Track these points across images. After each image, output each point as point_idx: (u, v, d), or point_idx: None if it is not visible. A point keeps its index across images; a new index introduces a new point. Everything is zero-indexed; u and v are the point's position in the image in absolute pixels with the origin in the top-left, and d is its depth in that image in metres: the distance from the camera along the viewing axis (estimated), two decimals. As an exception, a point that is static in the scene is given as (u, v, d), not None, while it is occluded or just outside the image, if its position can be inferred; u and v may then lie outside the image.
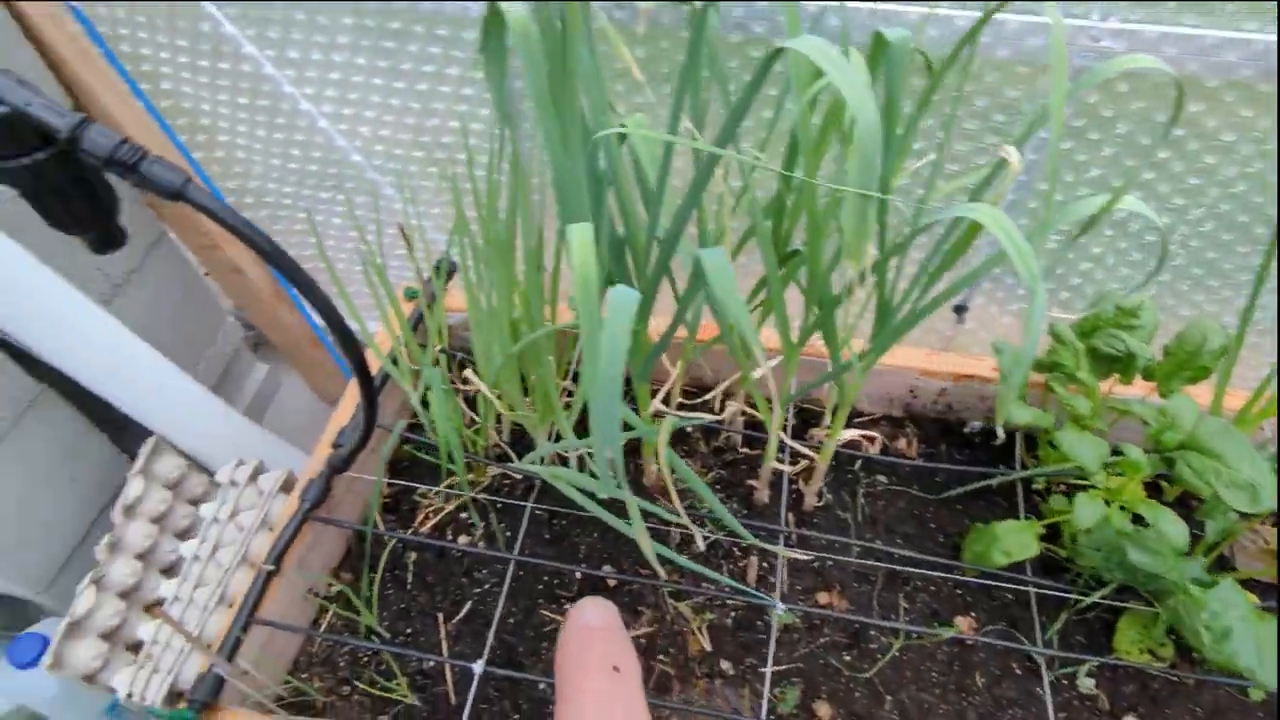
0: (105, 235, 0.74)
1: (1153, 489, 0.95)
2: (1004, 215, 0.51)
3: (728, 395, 1.05)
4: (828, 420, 1.06)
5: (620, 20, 0.87)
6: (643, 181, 0.75)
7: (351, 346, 0.76)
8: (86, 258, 1.08)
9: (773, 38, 0.86)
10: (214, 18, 0.99)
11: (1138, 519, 0.81)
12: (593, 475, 0.89)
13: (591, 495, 0.86)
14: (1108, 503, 0.83)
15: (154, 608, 0.91)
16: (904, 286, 0.74)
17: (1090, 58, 0.81)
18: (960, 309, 1.11)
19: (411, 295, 1.20)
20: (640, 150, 0.74)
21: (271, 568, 0.92)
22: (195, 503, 1.16)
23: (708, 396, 1.06)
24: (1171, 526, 0.77)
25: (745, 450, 1.07)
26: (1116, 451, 0.84)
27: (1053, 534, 0.92)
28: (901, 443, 1.09)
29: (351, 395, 1.11)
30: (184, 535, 1.13)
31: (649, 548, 0.73)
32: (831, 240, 0.70)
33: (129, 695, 0.82)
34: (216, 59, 1.06)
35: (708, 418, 0.97)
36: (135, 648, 1.02)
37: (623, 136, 0.76)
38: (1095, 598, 0.85)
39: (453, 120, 1.07)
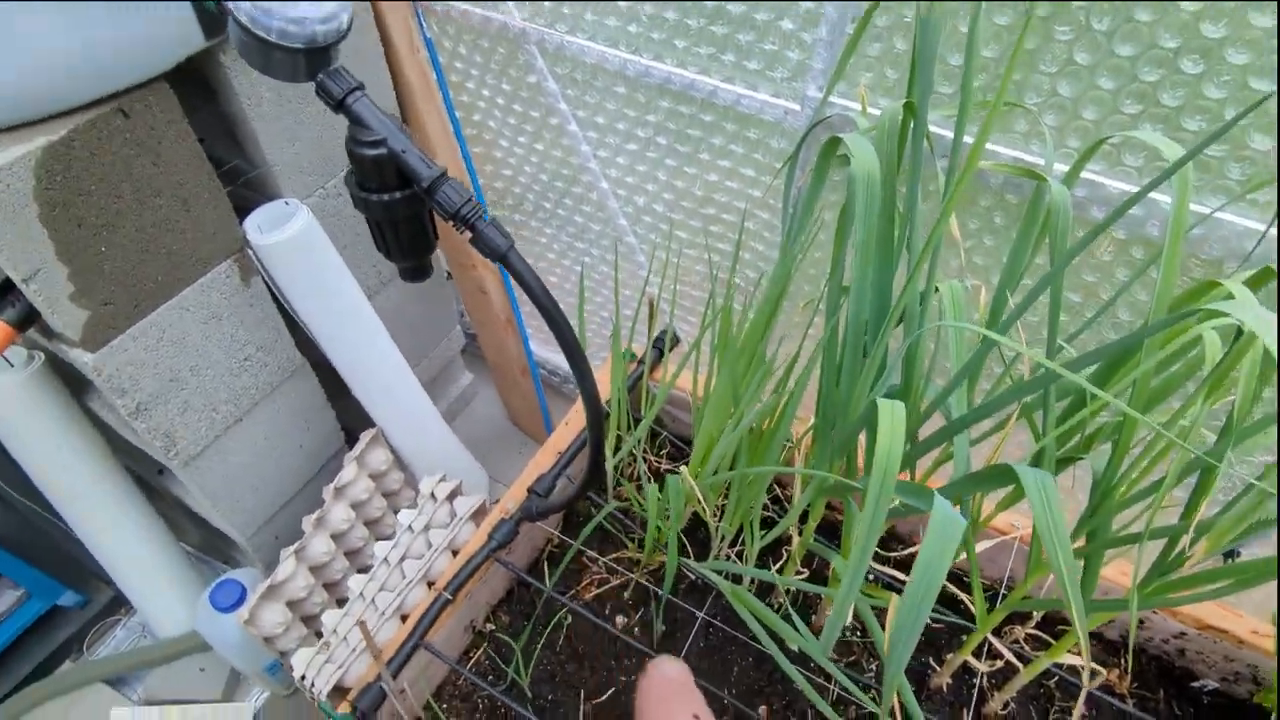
0: (418, 269, 0.80)
1: None
2: None
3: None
4: (1036, 618, 0.95)
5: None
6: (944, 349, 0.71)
7: (593, 407, 0.77)
8: (369, 252, 1.18)
9: (1118, 230, 0.80)
10: (541, 72, 1.06)
11: None
12: (777, 612, 0.86)
13: (771, 632, 0.82)
14: None
15: (343, 602, 0.96)
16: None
17: None
18: (1232, 554, 0.98)
19: (630, 357, 1.22)
20: (949, 317, 0.71)
21: (449, 597, 0.95)
22: (388, 496, 1.23)
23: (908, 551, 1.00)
24: None
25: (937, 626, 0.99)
26: None
27: None
28: (1113, 674, 0.97)
29: (554, 444, 1.14)
30: (372, 524, 1.20)
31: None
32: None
33: (302, 678, 0.87)
34: (529, 106, 1.13)
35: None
36: (309, 620, 1.09)
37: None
38: None
39: (727, 214, 1.08)
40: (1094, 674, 0.96)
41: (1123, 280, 0.85)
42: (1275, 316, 0.47)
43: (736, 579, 0.98)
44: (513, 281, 0.92)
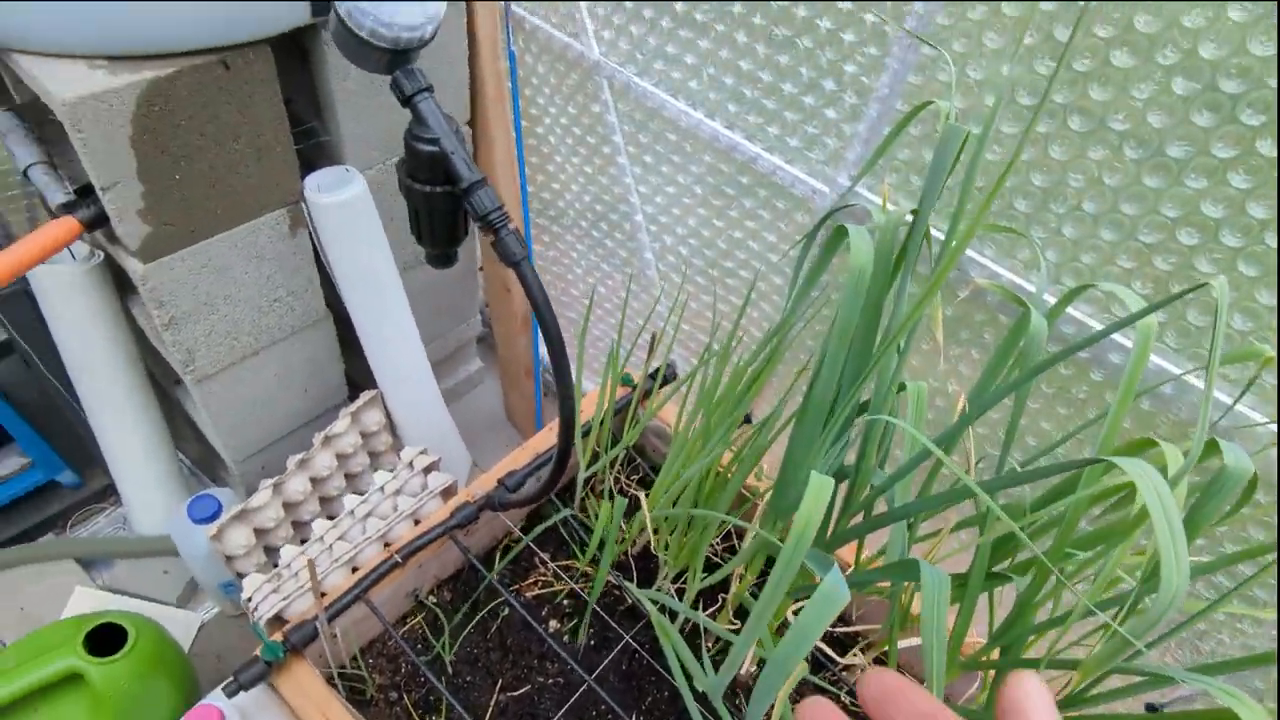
0: (444, 257, 0.87)
1: None
2: None
3: (867, 647, 1.01)
4: None
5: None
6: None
7: (567, 406, 0.83)
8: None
9: (1092, 367, 0.84)
10: (606, 104, 1.14)
11: None
12: (696, 654, 0.90)
13: (686, 673, 0.86)
14: None
15: (305, 541, 1.03)
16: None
17: None
18: (1154, 708, 0.99)
19: (626, 381, 1.28)
20: (911, 409, 0.75)
21: (399, 560, 1.01)
22: (373, 455, 1.30)
23: (848, 629, 1.03)
24: None
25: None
26: None
27: None
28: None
29: (534, 444, 1.20)
30: (352, 478, 1.27)
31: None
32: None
33: (248, 600, 0.93)
34: (588, 132, 1.21)
35: (841, 661, 0.94)
36: (270, 551, 1.16)
37: (901, 386, 0.78)
38: None
39: (744, 271, 1.14)
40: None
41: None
42: (1167, 485, 0.51)
43: (670, 614, 1.03)
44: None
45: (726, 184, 1.07)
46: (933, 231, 0.85)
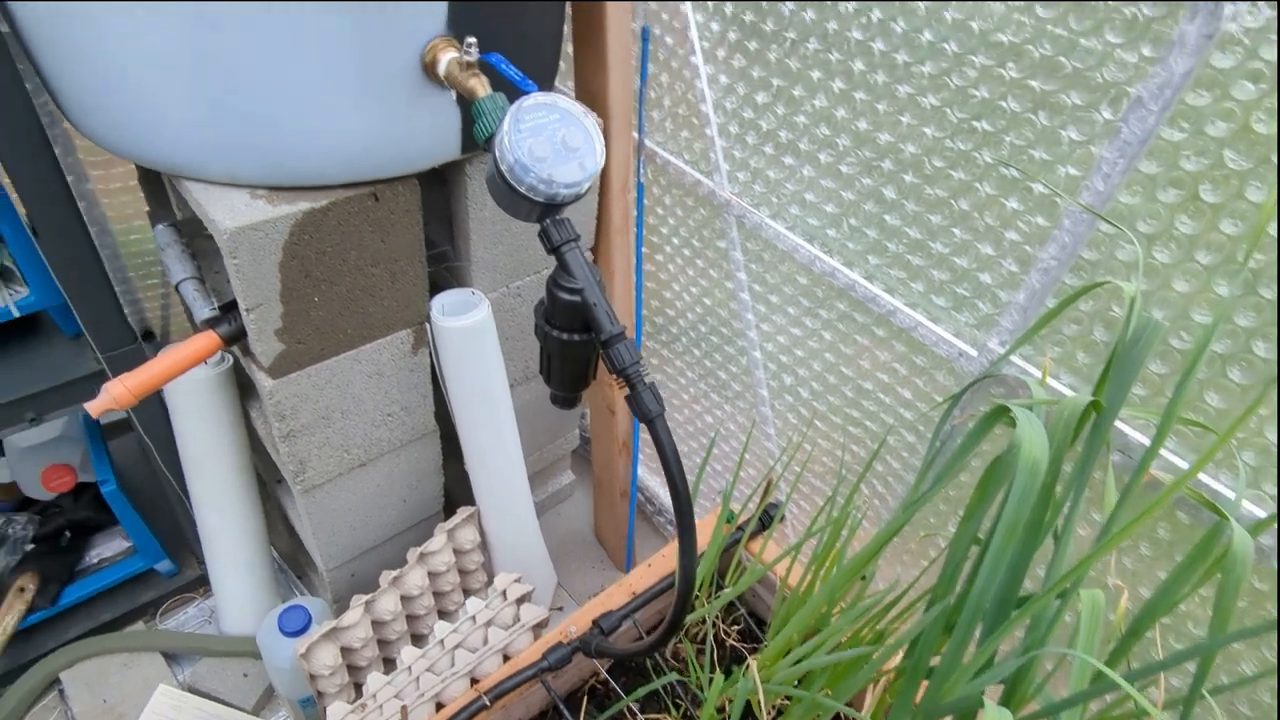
0: (569, 400, 0.85)
1: None
2: None
3: None
4: None
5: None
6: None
7: (685, 589, 0.77)
8: (524, 349, 1.26)
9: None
10: (733, 241, 1.12)
11: None
12: None
13: None
14: None
15: (390, 663, 0.99)
16: None
17: None
18: None
19: (731, 519, 1.21)
20: (1084, 624, 0.66)
21: (487, 704, 0.95)
22: (463, 574, 1.26)
23: None
24: None
25: None
26: None
27: None
28: None
29: (631, 582, 1.13)
30: (441, 596, 1.23)
31: None
32: None
33: (332, 736, 0.89)
34: (711, 265, 1.19)
35: None
36: (354, 670, 1.12)
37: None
38: None
39: (871, 423, 1.07)
40: None
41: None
42: None
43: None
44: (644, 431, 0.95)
45: (859, 333, 1.02)
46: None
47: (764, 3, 0.94)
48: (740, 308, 1.17)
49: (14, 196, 0.93)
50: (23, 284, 1.00)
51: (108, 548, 1.35)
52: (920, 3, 0.79)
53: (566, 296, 0.75)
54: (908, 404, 1.00)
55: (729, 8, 0.98)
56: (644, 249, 1.29)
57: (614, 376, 0.74)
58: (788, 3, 0.91)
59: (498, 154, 0.71)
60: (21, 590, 1.21)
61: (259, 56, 0.74)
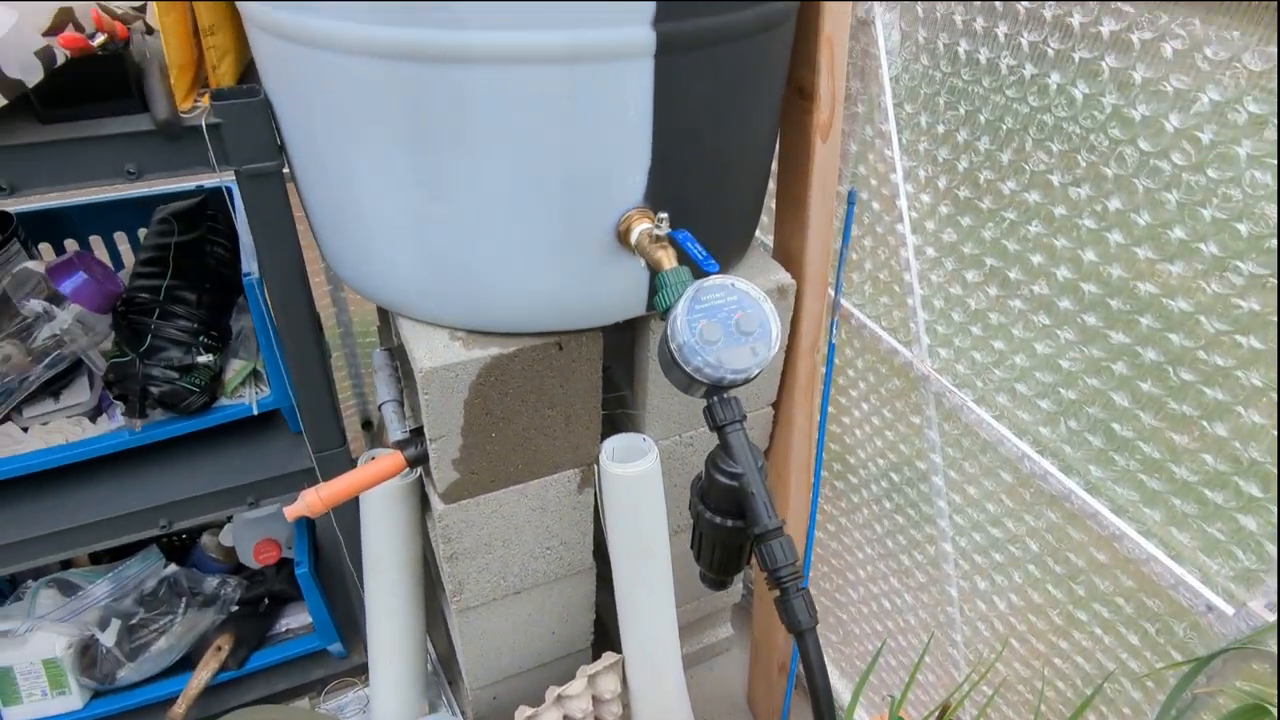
0: (719, 583, 0.79)
1: None
2: None
3: None
4: None
5: None
6: None
7: None
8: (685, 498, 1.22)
9: None
10: (929, 419, 1.02)
11: None
12: None
13: None
14: None
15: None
16: None
17: None
18: None
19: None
20: None
21: None
22: (598, 723, 1.21)
23: None
24: None
25: None
26: None
27: None
28: None
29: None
30: (570, 745, 1.18)
31: None
32: None
33: None
34: (901, 439, 1.10)
35: None
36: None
37: None
38: None
39: (1079, 657, 0.89)
40: None
41: None
42: None
43: None
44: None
45: (1070, 549, 0.87)
46: None
47: (982, 180, 0.87)
48: (932, 492, 1.05)
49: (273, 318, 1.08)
50: (267, 385, 1.16)
51: (295, 619, 1.47)
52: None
53: (725, 480, 0.70)
54: (1133, 651, 0.82)
55: (942, 181, 0.93)
56: (830, 409, 1.22)
57: (765, 576, 0.68)
58: (1008, 183, 0.84)
59: (669, 331, 0.70)
60: (219, 649, 1.34)
61: (475, 221, 0.81)
